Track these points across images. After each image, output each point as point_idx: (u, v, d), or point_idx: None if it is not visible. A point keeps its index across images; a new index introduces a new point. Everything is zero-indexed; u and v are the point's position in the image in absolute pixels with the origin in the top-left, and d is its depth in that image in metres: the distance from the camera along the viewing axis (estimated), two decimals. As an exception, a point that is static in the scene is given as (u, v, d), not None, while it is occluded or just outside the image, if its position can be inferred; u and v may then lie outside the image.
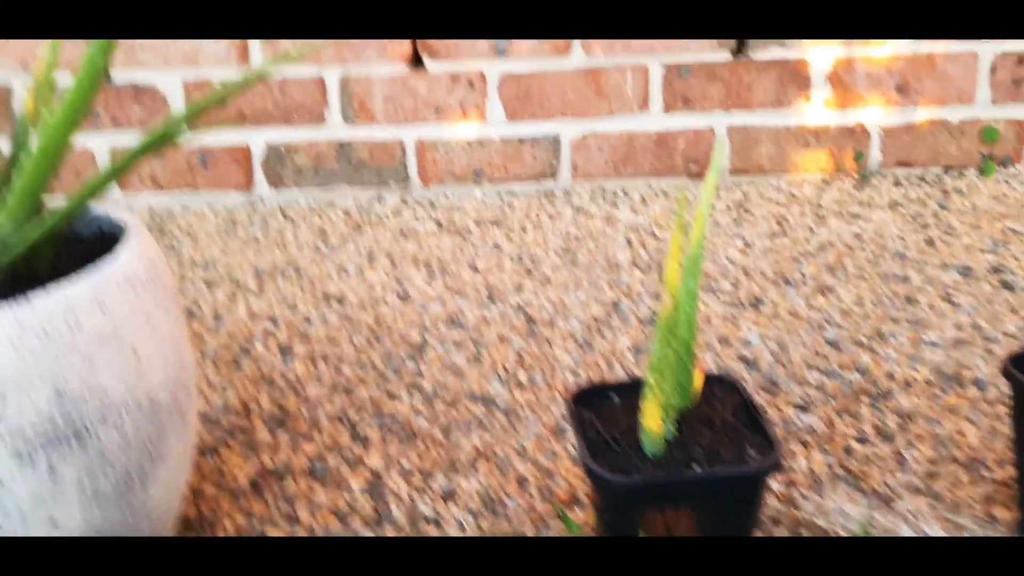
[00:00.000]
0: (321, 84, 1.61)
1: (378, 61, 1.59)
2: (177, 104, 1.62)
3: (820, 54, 1.60)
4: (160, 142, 0.67)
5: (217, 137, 1.65)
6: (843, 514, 0.83)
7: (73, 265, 0.74)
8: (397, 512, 0.87)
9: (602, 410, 0.75)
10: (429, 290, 1.31)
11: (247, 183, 1.67)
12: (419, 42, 1.58)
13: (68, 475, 0.62)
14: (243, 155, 1.65)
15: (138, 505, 0.68)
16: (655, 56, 1.60)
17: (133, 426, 0.65)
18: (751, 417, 0.74)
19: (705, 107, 1.63)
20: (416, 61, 1.60)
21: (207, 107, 0.70)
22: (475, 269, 1.37)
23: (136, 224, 0.73)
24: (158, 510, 0.71)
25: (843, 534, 0.80)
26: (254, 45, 1.59)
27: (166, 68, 1.60)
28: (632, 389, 0.76)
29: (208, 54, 1.58)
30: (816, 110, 1.63)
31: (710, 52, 1.59)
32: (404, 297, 1.30)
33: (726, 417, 0.74)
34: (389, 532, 0.85)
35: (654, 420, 0.70)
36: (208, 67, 1.59)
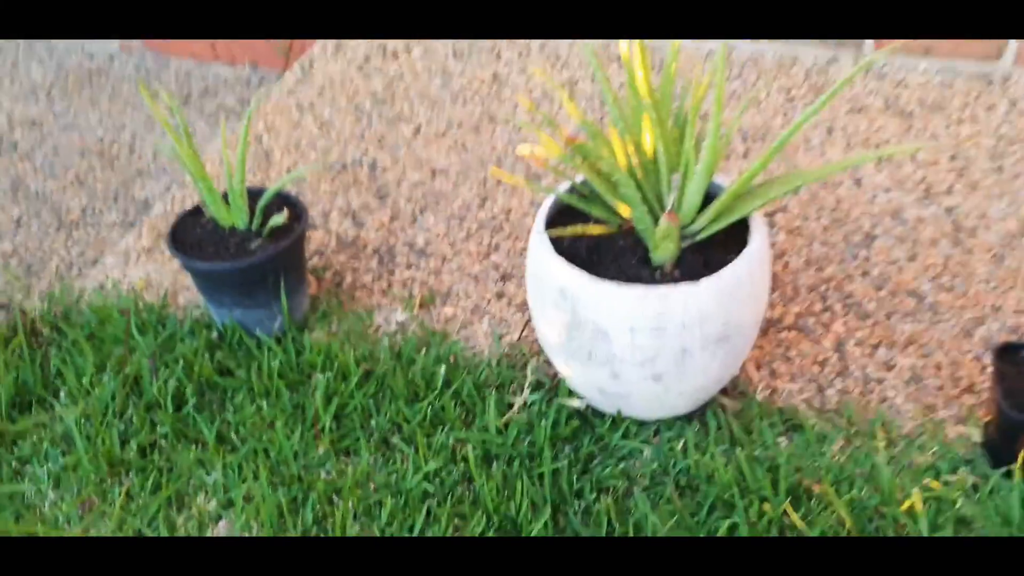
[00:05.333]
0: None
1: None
2: None
3: None
4: None
5: None
6: None
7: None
8: (855, 370, 1.42)
9: (1017, 362, 1.22)
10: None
11: None
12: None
13: (719, 355, 1.22)
14: None
15: (732, 366, 1.29)
16: None
17: (744, 338, 1.24)
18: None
19: None
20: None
21: None
22: None
23: (760, 222, 1.26)
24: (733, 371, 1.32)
25: None
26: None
27: None
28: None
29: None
30: None
31: None
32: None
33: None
34: (850, 385, 1.40)
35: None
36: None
